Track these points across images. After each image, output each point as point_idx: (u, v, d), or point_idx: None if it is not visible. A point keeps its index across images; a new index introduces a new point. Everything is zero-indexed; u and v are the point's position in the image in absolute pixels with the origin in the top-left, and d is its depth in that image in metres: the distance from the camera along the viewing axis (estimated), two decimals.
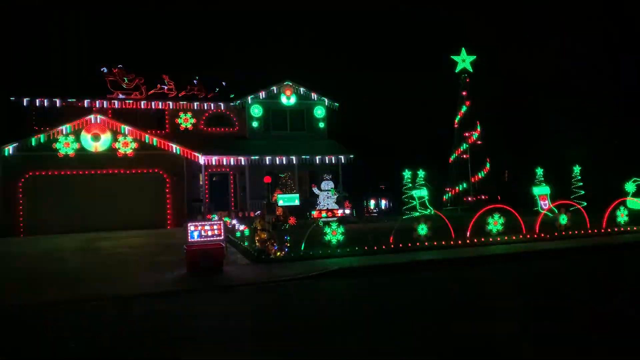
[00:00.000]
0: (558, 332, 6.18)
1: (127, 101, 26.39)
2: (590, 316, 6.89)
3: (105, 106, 26.00)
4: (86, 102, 25.85)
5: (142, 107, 26.64)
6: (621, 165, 28.77)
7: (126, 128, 23.19)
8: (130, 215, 22.47)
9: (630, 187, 21.75)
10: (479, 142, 28.26)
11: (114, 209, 22.52)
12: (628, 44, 36.36)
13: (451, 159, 29.41)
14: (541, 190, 22.35)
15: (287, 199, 22.78)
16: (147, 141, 23.36)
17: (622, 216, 15.78)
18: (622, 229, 15.41)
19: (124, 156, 23.01)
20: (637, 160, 29.33)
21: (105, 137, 22.84)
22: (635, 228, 15.48)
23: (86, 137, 22.57)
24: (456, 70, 29.27)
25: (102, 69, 26.20)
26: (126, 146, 23.04)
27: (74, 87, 26.49)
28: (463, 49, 29.08)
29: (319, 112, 29.25)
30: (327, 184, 21.66)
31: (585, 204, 20.61)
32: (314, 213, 21.55)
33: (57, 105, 25.62)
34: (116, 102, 26.23)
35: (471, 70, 29.07)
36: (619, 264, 11.42)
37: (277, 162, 26.21)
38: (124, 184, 22.99)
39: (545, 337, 6.01)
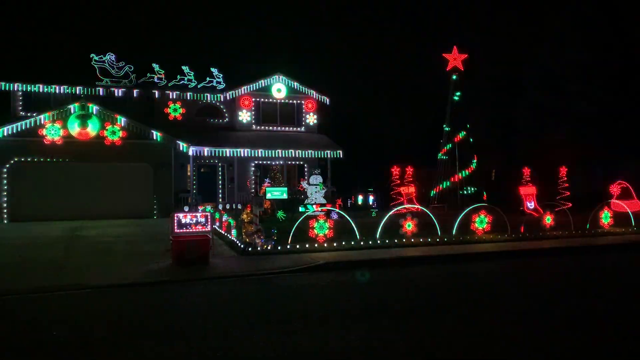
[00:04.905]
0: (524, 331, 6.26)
1: (116, 89, 26.15)
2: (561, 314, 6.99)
3: (93, 93, 25.73)
4: (74, 89, 25.57)
5: (131, 95, 26.42)
6: (607, 168, 29.15)
7: (114, 116, 22.96)
8: (116, 205, 22.30)
9: (614, 189, 22.04)
10: (467, 140, 28.40)
11: (100, 197, 22.33)
12: (618, 46, 36.71)
13: (439, 156, 29.54)
14: (527, 190, 22.56)
15: (275, 192, 22.76)
16: (135, 130, 23.15)
17: (606, 218, 15.96)
18: (605, 230, 15.59)
19: (111, 144, 22.79)
20: (622, 162, 29.72)
21: (93, 125, 22.60)
22: (618, 230, 15.68)
23: (73, 124, 22.32)
24: (447, 69, 29.34)
25: (91, 56, 25.92)
26: (114, 134, 22.82)
27: (62, 74, 26.18)
28: (455, 47, 29.15)
29: (310, 106, 29.23)
30: (316, 179, 21.70)
31: (571, 204, 20.86)
32: (302, 207, 21.56)
33: (44, 91, 25.32)
34: (105, 89, 25.97)
35: (462, 69, 29.16)
36: (601, 265, 11.56)
37: (266, 155, 26.16)
38: (111, 172, 22.79)
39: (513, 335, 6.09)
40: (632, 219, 16.28)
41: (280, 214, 19.19)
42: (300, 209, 21.33)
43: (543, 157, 29.85)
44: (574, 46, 34.97)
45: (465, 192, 27.78)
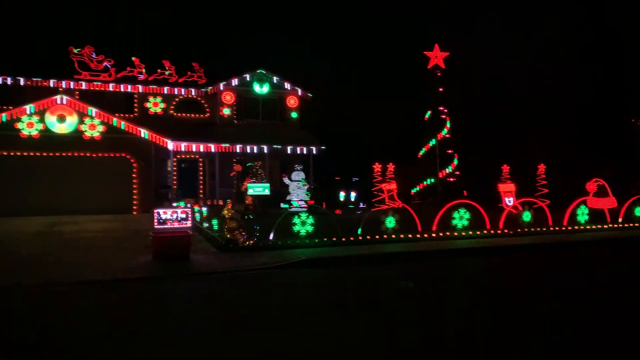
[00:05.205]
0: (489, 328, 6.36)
1: (95, 83, 25.79)
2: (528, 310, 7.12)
3: (72, 87, 25.35)
4: (52, 82, 25.16)
5: (111, 89, 26.09)
6: (584, 165, 29.67)
7: (93, 110, 22.62)
8: (95, 200, 22.02)
9: (591, 187, 22.45)
10: (447, 136, 28.64)
11: (79, 192, 22.01)
12: (597, 47, 37.36)
13: (420, 153, 29.74)
14: (506, 187, 22.80)
15: (257, 188, 22.67)
16: (114, 124, 22.85)
17: (582, 215, 16.26)
18: (582, 227, 15.88)
19: (90, 139, 22.46)
20: (599, 160, 30.28)
21: (71, 119, 22.25)
22: (594, 226, 15.99)
23: (51, 118, 21.95)
24: (429, 66, 29.53)
25: (69, 48, 25.49)
26: (93, 129, 22.50)
27: (39, 67, 25.71)
28: (436, 44, 29.34)
29: (292, 102, 29.15)
30: (298, 175, 21.66)
31: (549, 201, 21.17)
32: (284, 203, 21.53)
33: (21, 84, 24.86)
34: (84, 83, 25.59)
35: (443, 67, 29.37)
36: (575, 261, 11.78)
37: (248, 151, 26.04)
38: (90, 167, 22.49)
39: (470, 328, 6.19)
40: (608, 216, 16.60)
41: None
42: (283, 205, 21.30)
43: (523, 154, 30.27)
44: (556, 45, 35.50)
45: (445, 188, 28.05)
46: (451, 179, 28.24)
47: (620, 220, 16.43)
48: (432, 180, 28.64)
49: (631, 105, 36.27)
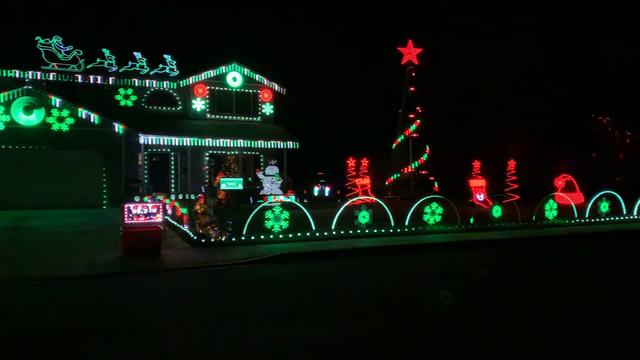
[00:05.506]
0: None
1: (63, 74, 25.13)
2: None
3: (39, 78, 24.67)
4: (18, 73, 24.45)
5: (80, 81, 25.48)
6: (553, 162, 30.36)
7: (61, 102, 22.07)
8: (64, 194, 21.51)
9: (559, 182, 22.98)
10: (418, 134, 28.94)
11: (47, 186, 21.46)
12: (567, 45, 38.21)
13: (393, 149, 29.99)
14: (477, 183, 23.18)
15: (230, 183, 22.52)
16: (84, 117, 22.33)
17: (551, 210, 16.61)
18: (550, 222, 16.23)
19: (58, 132, 21.92)
20: (567, 156, 31.02)
21: (39, 111, 21.67)
22: (562, 222, 16.37)
23: (17, 110, 21.33)
24: (402, 62, 29.72)
25: (36, 39, 24.78)
26: (61, 121, 21.96)
27: (4, 57, 24.89)
28: (410, 41, 29.54)
29: (267, 96, 28.97)
30: (272, 169, 21.59)
31: (519, 197, 21.60)
32: (258, 198, 21.43)
33: None
34: (52, 74, 24.94)
35: (417, 63, 29.60)
36: (544, 255, 12.06)
37: (221, 145, 25.81)
38: (59, 161, 21.93)
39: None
40: (575, 211, 17.01)
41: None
42: (259, 200, 21.19)
43: (493, 150, 30.78)
44: (528, 45, 36.17)
45: (418, 183, 28.37)
46: (418, 175, 28.58)
47: (587, 215, 16.85)
48: (398, 175, 28.97)
49: (597, 103, 37.23)
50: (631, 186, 25.92)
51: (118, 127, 22.88)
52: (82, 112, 22.29)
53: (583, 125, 35.81)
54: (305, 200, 22.83)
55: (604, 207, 17.37)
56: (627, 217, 17.45)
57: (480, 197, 22.48)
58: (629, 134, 36.59)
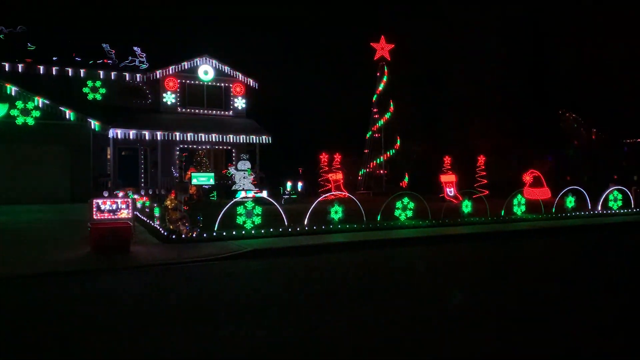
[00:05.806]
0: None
1: (29, 66, 24.38)
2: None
3: (2, 70, 23.87)
4: None
5: (46, 73, 24.76)
6: (521, 157, 30.97)
7: (26, 95, 21.42)
8: (30, 189, 20.99)
9: (527, 178, 23.47)
10: (389, 129, 29.18)
11: (13, 182, 20.91)
12: (532, 40, 38.92)
13: (365, 144, 30.17)
14: (448, 178, 23.49)
15: (201, 178, 22.26)
16: (49, 110, 21.74)
17: (519, 205, 16.95)
18: (518, 217, 16.58)
19: (23, 125, 21.30)
20: (535, 152, 31.68)
21: (2, 104, 20.99)
22: (529, 217, 16.73)
23: None
24: (375, 58, 29.86)
25: None
26: (26, 114, 21.33)
27: None
28: (382, 36, 29.68)
29: (238, 90, 28.71)
30: (244, 164, 21.40)
31: (488, 192, 21.99)
32: (230, 193, 21.24)
33: None
34: (19, 66, 24.14)
35: (389, 59, 29.78)
36: (508, 248, 12.33)
37: (192, 139, 25.48)
38: (25, 155, 21.37)
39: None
40: (542, 206, 17.40)
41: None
42: (237, 195, 20.99)
43: (464, 146, 31.21)
44: (492, 41, 36.67)
45: (389, 178, 28.63)
46: (381, 171, 28.86)
47: (553, 210, 17.25)
48: (370, 170, 29.23)
49: (563, 98, 38.06)
50: (596, 181, 26.68)
51: (85, 120, 22.26)
52: (48, 106, 21.69)
53: (550, 121, 36.58)
54: (280, 196, 22.73)
55: (570, 202, 17.81)
56: (591, 212, 17.94)
57: (451, 192, 22.78)
58: (594, 131, 37.56)
